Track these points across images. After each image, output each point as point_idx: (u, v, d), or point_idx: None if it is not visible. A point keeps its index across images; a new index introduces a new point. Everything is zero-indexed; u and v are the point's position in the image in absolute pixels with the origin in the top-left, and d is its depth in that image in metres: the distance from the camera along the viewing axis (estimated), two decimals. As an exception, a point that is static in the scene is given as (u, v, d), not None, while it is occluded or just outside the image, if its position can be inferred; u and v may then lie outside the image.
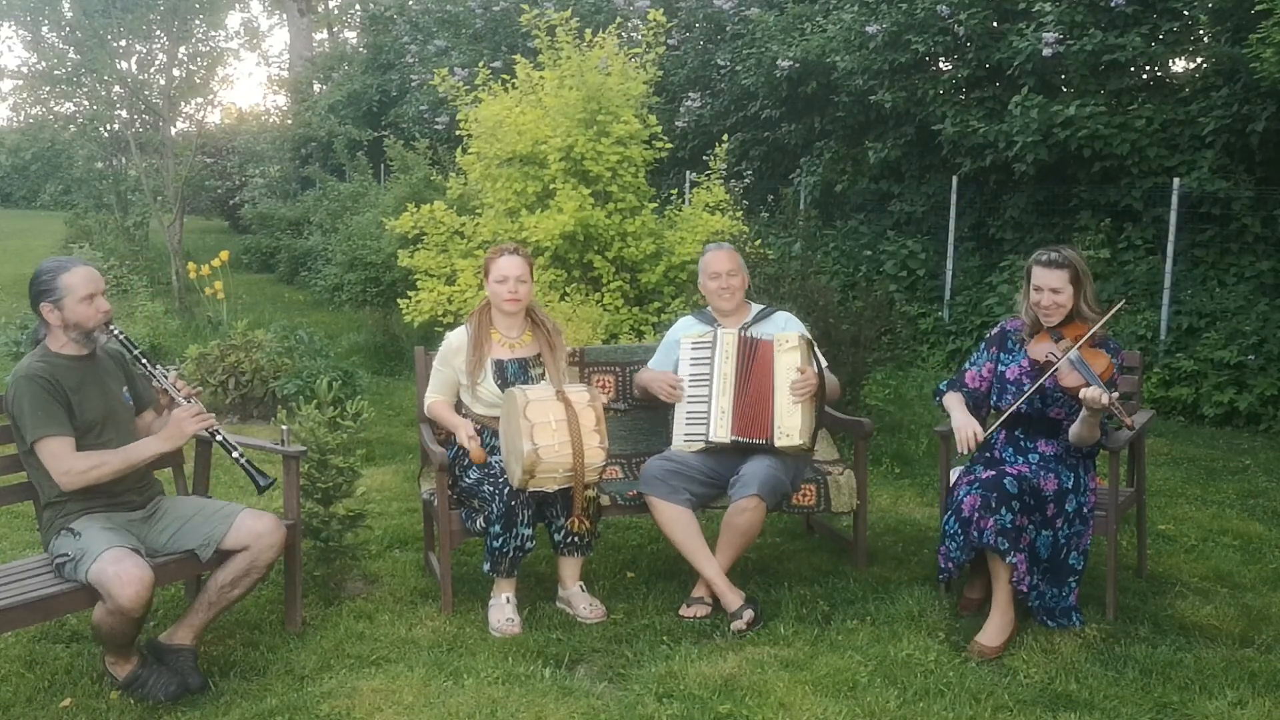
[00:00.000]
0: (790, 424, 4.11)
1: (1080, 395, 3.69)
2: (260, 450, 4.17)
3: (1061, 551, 3.87)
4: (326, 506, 4.24)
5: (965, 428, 3.89)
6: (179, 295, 11.82)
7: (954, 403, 4.05)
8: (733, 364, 4.22)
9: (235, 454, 3.54)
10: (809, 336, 4.30)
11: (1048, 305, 3.91)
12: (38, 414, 3.35)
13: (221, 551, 3.55)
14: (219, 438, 3.54)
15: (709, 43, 12.56)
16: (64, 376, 3.44)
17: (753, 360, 4.22)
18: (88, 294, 3.43)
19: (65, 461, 3.36)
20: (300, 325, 8.11)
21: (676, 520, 4.11)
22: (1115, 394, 3.70)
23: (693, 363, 4.31)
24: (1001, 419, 3.94)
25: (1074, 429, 3.86)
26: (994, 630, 3.77)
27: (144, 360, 3.54)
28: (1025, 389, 3.92)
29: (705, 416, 4.21)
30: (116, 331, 3.52)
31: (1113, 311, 3.97)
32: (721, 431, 4.16)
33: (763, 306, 4.55)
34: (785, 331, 4.28)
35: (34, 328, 3.58)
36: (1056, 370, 3.82)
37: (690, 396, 4.27)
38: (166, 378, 3.52)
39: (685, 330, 4.46)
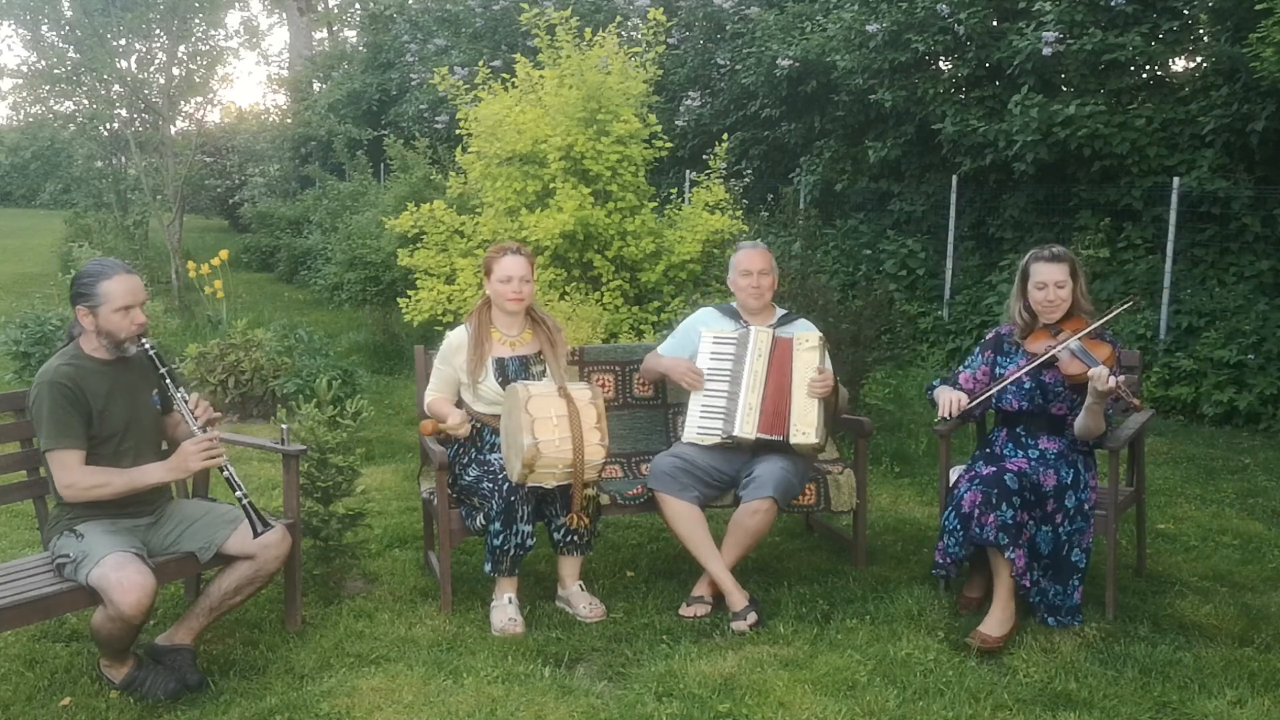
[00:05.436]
0: (806, 422, 4.11)
1: (1089, 376, 3.70)
2: (260, 449, 4.16)
3: (1063, 548, 3.87)
4: (326, 505, 4.25)
5: (947, 393, 4.02)
6: (178, 294, 11.82)
7: (943, 387, 4.11)
8: (764, 362, 4.20)
9: (239, 494, 3.48)
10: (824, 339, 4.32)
11: (1053, 299, 3.93)
12: (54, 423, 3.33)
13: (223, 554, 3.55)
14: (226, 474, 3.48)
15: (709, 42, 12.55)
16: (91, 382, 3.40)
17: (776, 359, 4.21)
18: (124, 305, 3.39)
19: (71, 474, 3.35)
20: (300, 324, 8.10)
21: (685, 517, 4.10)
22: (1122, 377, 3.71)
23: (715, 357, 4.29)
24: (991, 392, 3.96)
25: (1079, 420, 3.87)
26: (995, 621, 3.78)
27: (169, 380, 3.49)
28: (1025, 385, 3.94)
29: (724, 411, 4.19)
30: (148, 345, 3.46)
31: (1119, 309, 3.96)
32: (748, 428, 4.14)
33: (785, 311, 4.54)
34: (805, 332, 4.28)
35: (70, 323, 3.54)
36: (1058, 360, 3.83)
37: (709, 390, 4.25)
38: (187, 402, 3.47)
39: (707, 323, 4.42)
